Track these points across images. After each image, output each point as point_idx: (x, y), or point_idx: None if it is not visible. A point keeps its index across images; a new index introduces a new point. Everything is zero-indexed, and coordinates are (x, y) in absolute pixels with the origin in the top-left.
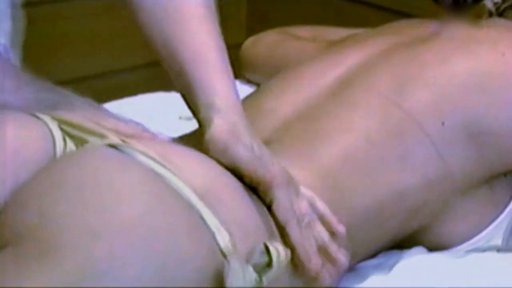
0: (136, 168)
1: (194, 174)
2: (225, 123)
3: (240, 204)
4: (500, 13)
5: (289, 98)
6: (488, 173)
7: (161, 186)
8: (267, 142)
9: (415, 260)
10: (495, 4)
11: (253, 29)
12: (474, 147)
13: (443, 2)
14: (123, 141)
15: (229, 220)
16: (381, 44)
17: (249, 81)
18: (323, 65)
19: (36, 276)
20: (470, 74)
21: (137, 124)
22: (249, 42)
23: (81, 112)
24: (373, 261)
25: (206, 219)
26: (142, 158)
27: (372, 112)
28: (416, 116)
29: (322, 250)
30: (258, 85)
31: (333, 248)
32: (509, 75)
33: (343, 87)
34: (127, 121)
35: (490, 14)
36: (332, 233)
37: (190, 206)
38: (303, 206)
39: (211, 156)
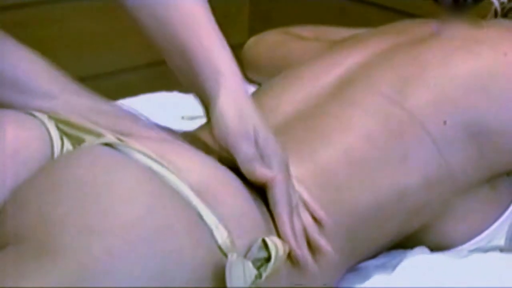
0: (133, 167)
1: (191, 171)
2: (232, 102)
3: (237, 200)
4: (505, 13)
5: (289, 97)
6: (489, 173)
7: (158, 185)
8: None
9: (418, 260)
10: (501, 4)
11: (255, 29)
12: (474, 147)
13: (443, 2)
14: (120, 139)
15: (227, 217)
16: (383, 43)
17: (251, 81)
18: (324, 65)
19: (35, 276)
20: (471, 74)
21: (136, 119)
22: (251, 42)
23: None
24: (375, 261)
25: (204, 216)
26: (139, 156)
27: (372, 111)
28: (417, 115)
29: (308, 239)
30: (259, 85)
31: (317, 236)
32: (510, 76)
33: (343, 87)
34: (126, 116)
35: (496, 14)
36: (318, 224)
37: (188, 204)
38: (296, 197)
39: (208, 152)
